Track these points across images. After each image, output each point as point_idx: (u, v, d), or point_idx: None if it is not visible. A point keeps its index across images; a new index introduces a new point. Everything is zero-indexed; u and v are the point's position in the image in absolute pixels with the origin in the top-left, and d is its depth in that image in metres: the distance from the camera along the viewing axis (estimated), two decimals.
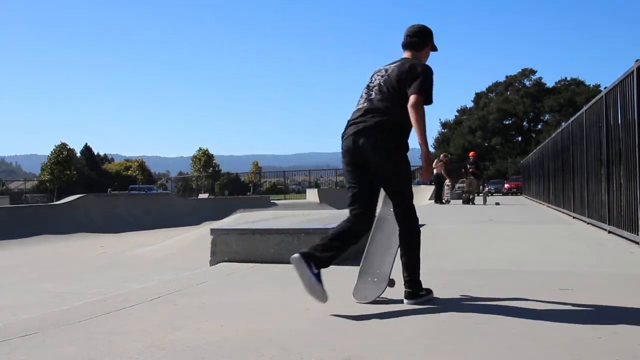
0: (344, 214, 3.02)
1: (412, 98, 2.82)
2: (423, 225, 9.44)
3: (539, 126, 53.42)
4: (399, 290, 2.95)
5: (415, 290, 2.93)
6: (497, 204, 17.80)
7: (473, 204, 16.22)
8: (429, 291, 3.00)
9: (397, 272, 2.98)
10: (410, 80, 2.88)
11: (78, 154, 58.58)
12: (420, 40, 3.13)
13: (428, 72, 2.93)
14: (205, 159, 56.82)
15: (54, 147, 48.07)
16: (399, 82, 2.91)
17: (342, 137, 3.01)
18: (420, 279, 2.96)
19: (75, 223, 14.51)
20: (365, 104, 2.97)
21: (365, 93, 3.04)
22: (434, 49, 3.20)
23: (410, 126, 2.89)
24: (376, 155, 2.85)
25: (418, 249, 2.98)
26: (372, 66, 3.41)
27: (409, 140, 2.99)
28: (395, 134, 2.91)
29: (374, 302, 2.92)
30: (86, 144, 68.40)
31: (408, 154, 2.97)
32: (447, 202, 17.48)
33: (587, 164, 8.25)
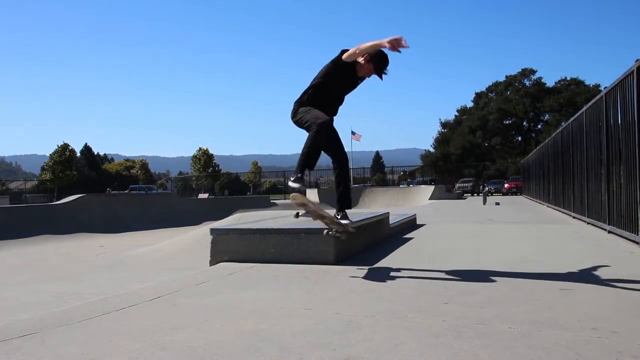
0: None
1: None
2: (423, 225, 9.46)
3: (539, 126, 53.45)
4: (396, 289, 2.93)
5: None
6: (497, 204, 17.83)
7: None
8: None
9: None
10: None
11: (78, 154, 58.61)
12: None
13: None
14: (205, 159, 56.84)
15: (56, 147, 48.14)
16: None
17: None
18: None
19: (75, 223, 14.51)
20: None
21: None
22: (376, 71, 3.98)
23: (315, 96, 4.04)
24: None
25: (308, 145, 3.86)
26: None
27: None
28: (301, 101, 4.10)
29: (377, 299, 2.93)
30: (86, 144, 68.51)
31: None
32: None
33: (587, 164, 8.25)
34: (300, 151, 3.89)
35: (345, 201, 4.23)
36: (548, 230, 7.73)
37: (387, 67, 3.96)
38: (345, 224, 4.12)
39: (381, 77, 3.95)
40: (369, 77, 4.02)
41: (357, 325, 2.46)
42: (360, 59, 3.88)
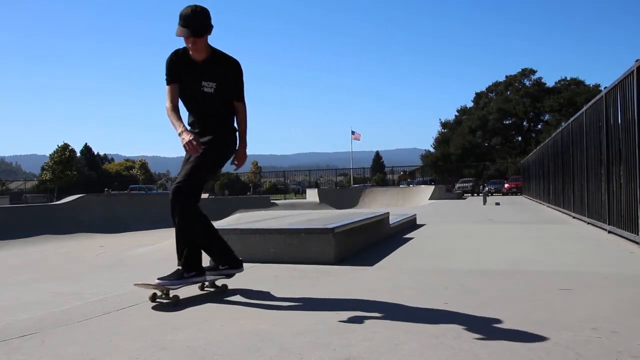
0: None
1: None
2: (423, 225, 9.46)
3: (539, 126, 53.42)
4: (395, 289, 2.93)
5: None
6: (497, 204, 17.82)
7: None
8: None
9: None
10: None
11: (78, 154, 58.61)
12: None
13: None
14: None
15: (56, 147, 48.13)
16: None
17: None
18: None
19: (75, 223, 14.50)
20: None
21: None
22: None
23: None
24: None
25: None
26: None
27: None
28: None
29: (377, 299, 2.93)
30: (86, 144, 68.45)
31: None
32: None
33: (587, 164, 8.25)
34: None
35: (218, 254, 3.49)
36: (548, 230, 7.73)
37: (202, 19, 2.92)
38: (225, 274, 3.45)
39: (205, 32, 2.96)
40: (195, 44, 2.97)
41: (357, 325, 2.46)
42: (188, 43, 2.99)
